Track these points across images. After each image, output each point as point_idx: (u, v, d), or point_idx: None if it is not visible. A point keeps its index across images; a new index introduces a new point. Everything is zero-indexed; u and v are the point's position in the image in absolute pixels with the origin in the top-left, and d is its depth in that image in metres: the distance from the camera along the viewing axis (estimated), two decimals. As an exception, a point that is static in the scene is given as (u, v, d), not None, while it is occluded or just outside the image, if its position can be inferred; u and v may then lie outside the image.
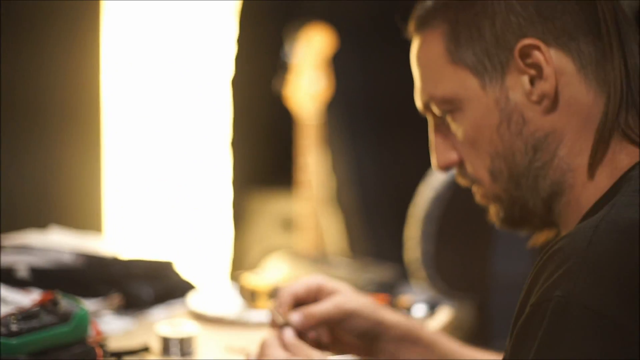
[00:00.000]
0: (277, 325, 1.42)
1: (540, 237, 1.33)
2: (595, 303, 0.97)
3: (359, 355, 1.48)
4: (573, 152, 1.19)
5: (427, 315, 1.99)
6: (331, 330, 1.46)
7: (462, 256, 3.21)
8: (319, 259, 3.87)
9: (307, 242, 4.17)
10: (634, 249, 0.99)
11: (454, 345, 1.49)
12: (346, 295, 1.46)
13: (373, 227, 4.42)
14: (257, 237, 4.58)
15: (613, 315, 0.96)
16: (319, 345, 1.43)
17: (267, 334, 1.41)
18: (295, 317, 1.41)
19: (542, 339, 1.00)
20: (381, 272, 3.65)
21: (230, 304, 2.05)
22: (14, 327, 1.51)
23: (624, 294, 0.97)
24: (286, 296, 1.45)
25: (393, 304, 1.96)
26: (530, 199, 1.23)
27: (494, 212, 1.29)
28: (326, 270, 3.72)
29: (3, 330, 1.51)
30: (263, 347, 1.36)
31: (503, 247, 3.17)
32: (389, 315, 1.48)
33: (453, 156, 1.28)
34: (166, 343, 1.74)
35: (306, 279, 1.49)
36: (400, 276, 3.63)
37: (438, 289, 3.08)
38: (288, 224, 4.50)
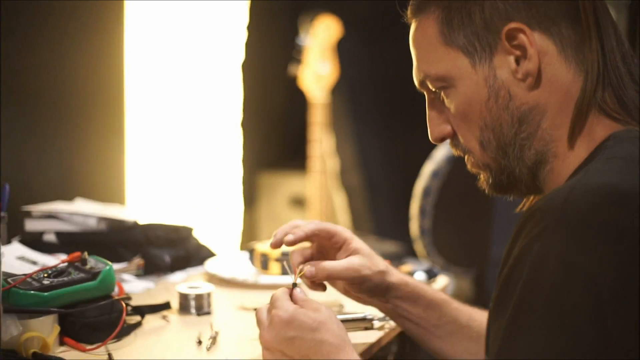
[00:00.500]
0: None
1: (528, 203, 1.45)
2: (570, 255, 1.08)
3: (370, 294, 1.61)
4: (555, 124, 1.30)
5: (426, 282, 2.11)
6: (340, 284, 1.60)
7: (460, 231, 3.28)
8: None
9: (317, 219, 4.21)
10: (604, 207, 1.10)
11: (452, 303, 1.65)
12: (361, 259, 1.58)
13: (378, 205, 4.51)
14: (267, 214, 4.66)
15: (586, 266, 1.08)
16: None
17: (277, 290, 1.47)
18: (309, 267, 1.53)
19: (523, 287, 1.11)
20: (385, 248, 3.76)
21: (243, 268, 2.18)
22: (46, 282, 1.65)
23: (596, 247, 1.08)
24: (297, 257, 1.57)
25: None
26: (517, 166, 1.34)
27: (483, 179, 1.41)
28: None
29: (35, 284, 1.63)
30: (273, 300, 1.43)
31: (500, 222, 3.25)
32: (395, 277, 1.62)
33: (447, 129, 1.40)
34: (184, 300, 1.87)
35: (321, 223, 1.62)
36: (403, 251, 3.74)
37: (436, 263, 3.18)
38: (298, 202, 4.60)
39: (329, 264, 1.55)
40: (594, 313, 1.07)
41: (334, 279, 1.57)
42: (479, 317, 1.64)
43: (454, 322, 1.62)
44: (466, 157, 1.42)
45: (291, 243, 1.57)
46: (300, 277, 1.53)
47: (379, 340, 1.74)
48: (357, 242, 1.61)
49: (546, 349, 1.08)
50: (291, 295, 1.44)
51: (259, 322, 1.43)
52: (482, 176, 1.42)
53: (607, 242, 1.09)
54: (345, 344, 1.37)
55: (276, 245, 1.59)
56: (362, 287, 1.59)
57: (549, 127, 1.31)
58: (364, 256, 1.59)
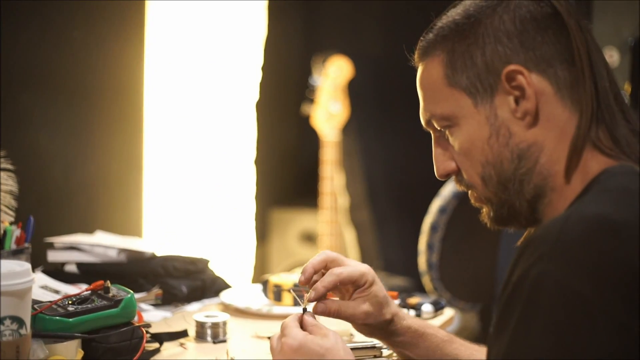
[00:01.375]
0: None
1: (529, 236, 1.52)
2: (565, 280, 1.15)
3: (373, 335, 1.66)
4: (552, 160, 1.37)
5: (433, 314, 2.18)
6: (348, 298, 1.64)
7: (466, 266, 3.33)
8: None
9: None
10: (597, 236, 1.17)
11: (455, 342, 1.72)
12: (370, 307, 1.62)
13: (386, 241, 4.56)
14: (279, 249, 4.69)
15: (580, 291, 1.14)
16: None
17: (287, 318, 1.53)
18: (312, 293, 1.58)
19: (521, 312, 1.18)
20: (394, 282, 3.83)
21: (257, 299, 2.24)
22: (71, 309, 1.73)
23: (590, 272, 1.15)
24: (308, 268, 1.63)
25: (402, 303, 2.16)
26: (517, 200, 1.41)
27: (485, 213, 1.48)
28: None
29: (61, 310, 1.71)
30: (283, 327, 1.50)
31: (505, 260, 3.30)
32: (399, 324, 1.66)
33: (451, 165, 1.47)
34: (201, 328, 1.95)
35: (322, 253, 1.66)
36: (411, 286, 3.80)
37: (443, 297, 3.23)
38: (309, 238, 4.65)
39: (337, 268, 1.61)
40: (590, 333, 1.13)
41: (340, 318, 1.63)
42: (479, 355, 1.69)
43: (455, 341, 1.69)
44: (469, 192, 1.48)
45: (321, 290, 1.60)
46: (309, 301, 1.59)
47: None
48: (376, 286, 1.64)
49: None
50: (302, 320, 1.51)
51: (271, 349, 1.50)
52: (484, 210, 1.48)
53: (600, 267, 1.15)
54: None
55: (306, 282, 1.62)
56: (367, 327, 1.65)
57: (546, 162, 1.38)
58: (376, 304, 1.63)
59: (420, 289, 3.73)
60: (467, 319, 3.37)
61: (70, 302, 1.76)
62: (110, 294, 1.81)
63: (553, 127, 1.38)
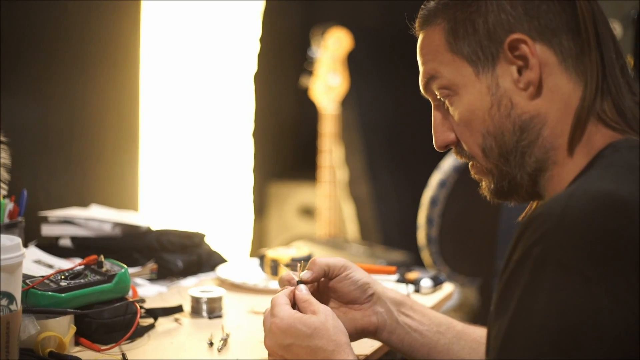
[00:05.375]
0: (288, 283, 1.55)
1: (530, 212, 1.49)
2: (568, 260, 1.12)
3: (364, 326, 1.61)
4: (555, 133, 1.34)
5: (432, 289, 2.15)
6: (335, 292, 1.61)
7: (466, 240, 3.31)
8: (336, 245, 4.01)
9: (326, 229, 4.29)
10: (601, 213, 1.13)
11: (444, 317, 1.66)
12: (344, 259, 1.62)
13: (386, 215, 4.53)
14: (277, 223, 4.68)
15: (584, 271, 1.11)
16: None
17: (276, 295, 1.52)
18: (307, 272, 1.56)
19: (523, 292, 1.15)
20: (393, 257, 3.80)
21: (254, 274, 2.22)
22: (63, 284, 1.70)
23: (593, 252, 1.11)
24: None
25: (401, 278, 2.13)
26: (518, 173, 1.37)
27: (485, 185, 1.44)
28: (343, 255, 3.86)
29: (53, 286, 1.69)
30: (272, 306, 1.48)
31: (505, 234, 3.27)
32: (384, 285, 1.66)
33: (450, 136, 1.43)
34: (196, 303, 1.92)
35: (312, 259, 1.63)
36: (410, 260, 3.78)
37: (442, 272, 3.21)
38: (308, 212, 4.64)
39: (319, 259, 1.59)
40: (592, 314, 1.10)
41: (326, 269, 1.59)
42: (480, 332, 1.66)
43: (453, 328, 1.65)
44: (470, 164, 1.45)
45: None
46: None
47: (385, 346, 1.77)
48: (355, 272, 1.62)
49: (546, 350, 1.12)
50: (294, 295, 1.50)
51: (263, 327, 1.49)
52: (483, 183, 1.45)
53: (604, 246, 1.12)
54: (341, 348, 1.42)
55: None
56: (354, 280, 1.60)
57: (549, 135, 1.35)
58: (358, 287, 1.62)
59: (419, 264, 3.71)
60: (467, 293, 3.35)
61: (63, 277, 1.74)
62: (104, 269, 1.78)
63: (557, 99, 1.34)
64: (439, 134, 1.45)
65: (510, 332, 1.16)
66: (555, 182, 1.36)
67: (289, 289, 1.53)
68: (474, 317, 3.32)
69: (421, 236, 3.19)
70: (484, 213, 3.18)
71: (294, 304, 1.51)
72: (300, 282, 1.54)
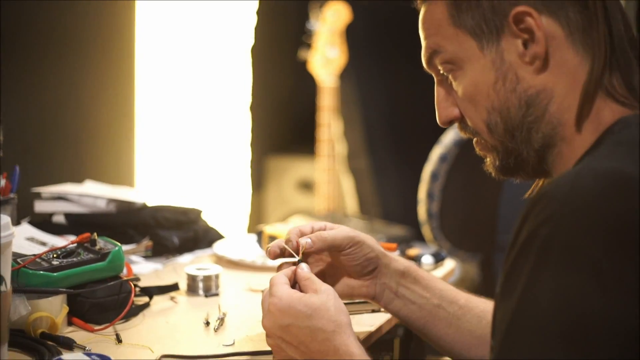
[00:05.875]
0: (286, 263, 1.53)
1: (537, 188, 1.45)
2: (576, 241, 1.08)
3: (361, 295, 1.60)
4: (562, 108, 1.30)
5: (433, 265, 2.12)
6: (336, 260, 1.58)
7: (467, 215, 3.28)
8: (335, 220, 3.99)
9: (325, 203, 4.26)
10: (611, 193, 1.10)
11: (449, 290, 1.62)
12: (351, 229, 1.59)
13: (385, 189, 4.51)
14: (275, 198, 4.66)
15: (591, 252, 1.07)
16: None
17: (275, 274, 1.49)
18: (307, 240, 1.52)
19: (530, 274, 1.11)
20: (393, 232, 3.77)
21: (252, 250, 2.18)
22: (55, 262, 1.66)
23: (601, 233, 1.08)
24: (294, 232, 1.57)
25: (402, 255, 2.09)
26: (524, 149, 1.33)
27: (490, 162, 1.40)
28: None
29: (45, 265, 1.65)
30: (271, 285, 1.45)
31: (507, 208, 3.25)
32: (390, 253, 1.62)
33: (454, 111, 1.39)
34: (192, 282, 1.88)
35: (312, 222, 1.61)
36: (410, 235, 3.75)
37: (443, 247, 3.17)
38: (306, 186, 4.61)
39: (325, 232, 1.55)
40: (600, 297, 1.07)
41: (332, 246, 1.55)
42: (483, 305, 1.63)
43: (455, 303, 1.61)
44: (474, 141, 1.41)
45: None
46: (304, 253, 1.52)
47: (387, 322, 1.75)
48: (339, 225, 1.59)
49: (553, 338, 1.09)
50: (295, 274, 1.47)
51: (262, 307, 1.46)
52: (488, 159, 1.41)
53: (613, 228, 1.08)
54: (341, 329, 1.39)
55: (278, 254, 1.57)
56: (359, 254, 1.57)
57: (556, 110, 1.30)
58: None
59: (419, 238, 3.68)
60: (468, 269, 3.32)
61: (55, 255, 1.70)
62: (97, 247, 1.74)
63: (564, 73, 1.30)
64: (442, 110, 1.41)
65: (516, 317, 1.12)
66: (563, 158, 1.32)
67: (290, 267, 1.50)
68: (475, 292, 3.28)
69: (422, 211, 3.15)
70: (485, 187, 3.15)
71: (294, 283, 1.48)
72: (301, 260, 1.51)
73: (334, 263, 1.60)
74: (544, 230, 1.11)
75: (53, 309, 1.58)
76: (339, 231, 1.56)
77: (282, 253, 1.55)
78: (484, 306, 1.61)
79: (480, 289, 3.30)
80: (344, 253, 1.56)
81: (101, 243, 1.76)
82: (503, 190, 3.18)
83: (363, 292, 1.59)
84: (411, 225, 3.82)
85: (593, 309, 1.07)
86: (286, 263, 1.54)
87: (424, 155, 3.27)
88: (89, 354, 1.42)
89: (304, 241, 1.53)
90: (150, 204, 2.23)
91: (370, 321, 1.71)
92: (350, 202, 4.41)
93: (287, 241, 1.55)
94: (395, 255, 1.62)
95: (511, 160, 1.37)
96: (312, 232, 1.56)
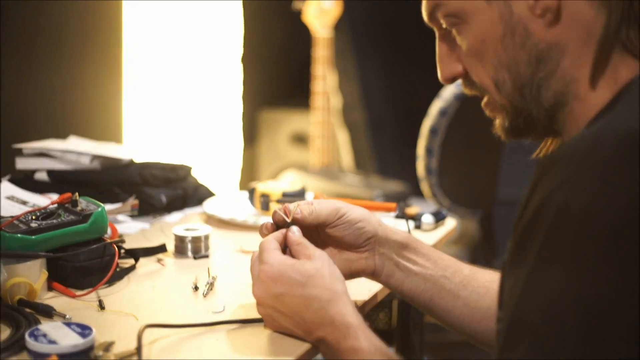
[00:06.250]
0: (278, 225, 1.44)
1: (545, 148, 1.37)
2: (594, 209, 1.00)
3: (359, 269, 1.51)
4: (576, 64, 1.20)
5: (433, 225, 2.03)
6: (328, 239, 1.50)
7: (467, 171, 3.20)
8: (330, 175, 3.91)
9: (320, 158, 4.20)
10: (632, 156, 1.02)
11: (452, 260, 1.54)
12: (338, 201, 1.50)
13: (382, 144, 4.44)
14: (268, 152, 4.60)
15: (611, 221, 1.00)
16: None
17: (265, 238, 1.42)
18: (299, 211, 1.45)
19: (545, 239, 1.03)
20: (390, 187, 3.69)
21: (243, 209, 2.10)
22: (34, 225, 1.57)
23: (621, 197, 1.00)
24: (276, 213, 1.48)
25: (400, 214, 2.00)
26: (534, 108, 1.24)
27: (499, 124, 1.31)
28: (338, 185, 3.76)
29: (23, 227, 1.56)
30: (261, 251, 1.39)
31: (508, 161, 3.17)
32: (388, 224, 1.53)
33: (458, 68, 1.30)
34: (181, 243, 1.80)
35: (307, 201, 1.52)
36: (408, 191, 3.67)
37: (442, 204, 3.10)
38: (300, 140, 4.53)
39: (318, 204, 1.47)
40: (618, 268, 1.00)
41: (316, 220, 1.47)
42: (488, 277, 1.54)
43: (460, 272, 1.53)
44: (483, 102, 1.32)
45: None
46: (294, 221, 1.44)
47: (385, 288, 1.65)
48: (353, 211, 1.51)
49: (567, 316, 1.01)
50: (285, 238, 1.40)
51: (251, 273, 1.39)
52: (497, 121, 1.32)
53: (634, 192, 1.01)
54: (337, 297, 1.32)
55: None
56: (353, 225, 1.48)
57: (569, 66, 1.21)
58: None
59: (417, 194, 3.60)
60: (467, 225, 3.24)
61: (33, 217, 1.61)
62: (79, 208, 1.65)
63: (577, 27, 1.20)
64: (445, 66, 1.32)
65: (528, 290, 1.05)
66: (576, 117, 1.23)
67: (280, 231, 1.42)
68: (474, 249, 3.23)
69: (420, 167, 3.06)
70: (485, 142, 3.05)
71: (285, 248, 1.41)
72: (291, 223, 1.43)
73: (326, 238, 1.51)
74: (560, 195, 1.03)
75: (31, 275, 1.49)
76: (321, 206, 1.47)
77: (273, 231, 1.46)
78: (490, 277, 1.53)
79: (479, 246, 3.23)
80: (332, 226, 1.48)
81: (83, 203, 1.67)
82: (504, 145, 3.10)
83: (361, 265, 1.50)
84: (407, 180, 3.75)
85: (610, 281, 1.00)
86: (270, 224, 1.46)
87: (421, 109, 3.18)
88: (68, 324, 1.33)
89: (294, 210, 1.45)
90: (137, 160, 2.14)
91: (368, 286, 1.62)
92: (346, 157, 4.34)
93: (273, 214, 1.46)
94: (391, 216, 1.54)
95: (521, 121, 1.28)
96: None
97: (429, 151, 3.01)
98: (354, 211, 1.49)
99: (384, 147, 4.41)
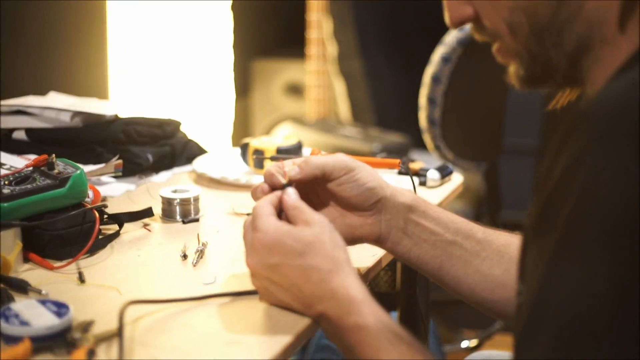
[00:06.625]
0: (273, 187, 1.32)
1: (562, 98, 1.24)
2: (630, 167, 0.89)
3: (363, 235, 1.39)
4: (602, 4, 1.06)
5: (439, 181, 1.91)
6: (330, 196, 1.38)
7: (471, 122, 3.08)
8: (327, 127, 3.79)
9: (316, 109, 4.10)
10: None
11: (464, 223, 1.41)
12: (345, 155, 1.37)
13: (380, 94, 4.32)
14: (262, 105, 4.50)
15: None
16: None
17: (259, 202, 1.28)
18: (294, 167, 1.32)
19: (575, 208, 0.92)
20: (390, 139, 3.57)
21: (235, 167, 1.98)
22: (6, 191, 1.45)
23: None
24: (273, 168, 1.35)
25: (404, 170, 1.87)
26: (554, 55, 1.11)
27: (513, 72, 1.18)
28: (335, 138, 3.64)
29: (-5, 193, 1.43)
30: (254, 216, 1.25)
31: (514, 108, 3.05)
32: (393, 185, 1.40)
33: (467, 10, 1.16)
34: (168, 206, 1.68)
35: (295, 158, 1.38)
36: (408, 143, 3.55)
37: (445, 157, 2.97)
38: (295, 90, 4.42)
39: (315, 157, 1.35)
40: None
41: (322, 171, 1.34)
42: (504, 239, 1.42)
43: (472, 237, 1.41)
44: (495, 47, 1.18)
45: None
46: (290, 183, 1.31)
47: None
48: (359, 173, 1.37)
49: (603, 276, 0.90)
50: (281, 201, 1.27)
51: (244, 239, 1.26)
52: (511, 68, 1.18)
53: None
54: (339, 266, 1.20)
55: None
56: (356, 184, 1.36)
57: (594, 6, 1.07)
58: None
59: (418, 146, 3.48)
60: (471, 179, 3.12)
61: (6, 182, 1.49)
62: (56, 171, 1.53)
63: (603, -41, 1.05)
64: (453, 8, 1.17)
65: (558, 256, 0.93)
66: (602, 64, 1.09)
67: (274, 194, 1.29)
68: (479, 204, 3.11)
69: (422, 118, 2.92)
70: (491, 91, 2.93)
71: (280, 212, 1.27)
72: (287, 184, 1.30)
73: (328, 199, 1.38)
74: (590, 156, 0.91)
75: (4, 246, 1.37)
76: (330, 157, 1.35)
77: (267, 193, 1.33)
78: (504, 239, 1.40)
79: (484, 200, 3.11)
80: (338, 183, 1.35)
81: (60, 166, 1.54)
82: (509, 90, 2.98)
83: (366, 231, 1.38)
84: (407, 132, 3.63)
85: None
86: (266, 186, 1.32)
87: (421, 57, 3.04)
88: (43, 302, 1.21)
89: (290, 168, 1.32)
90: (121, 116, 2.00)
91: (372, 251, 1.50)
92: (343, 108, 4.22)
93: (268, 175, 1.33)
94: (399, 187, 1.40)
95: (538, 68, 1.14)
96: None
97: (431, 101, 2.87)
98: (365, 169, 1.36)
99: (382, 97, 4.29)
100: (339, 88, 4.21)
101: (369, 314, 1.17)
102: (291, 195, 1.28)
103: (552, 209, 0.95)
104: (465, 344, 3.19)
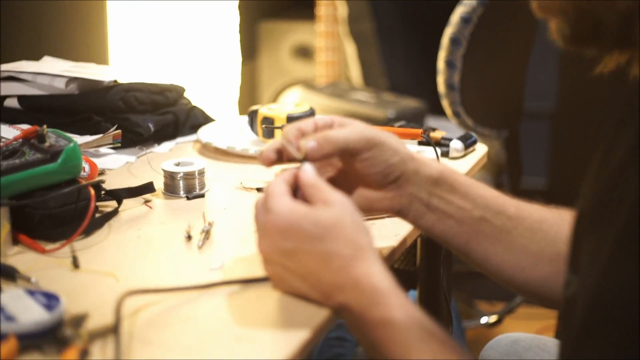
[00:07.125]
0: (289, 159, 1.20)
1: (610, 63, 1.11)
2: None
3: (382, 209, 1.27)
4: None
5: (463, 152, 1.78)
6: (349, 168, 1.25)
7: (492, 86, 2.94)
8: (339, 92, 3.66)
9: (326, 72, 3.99)
10: None
11: (495, 197, 1.29)
12: (368, 126, 1.25)
13: (393, 57, 4.20)
14: (270, 68, 4.39)
15: None
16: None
17: (272, 180, 1.16)
18: (311, 142, 1.18)
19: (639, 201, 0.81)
20: (404, 104, 3.44)
21: (243, 136, 1.86)
22: (-6, 166, 1.33)
23: None
24: (292, 132, 1.23)
25: (426, 139, 1.74)
26: (605, 12, 0.97)
27: (556, 28, 1.05)
28: (348, 103, 3.51)
29: (-20, 169, 1.32)
30: (267, 196, 1.13)
31: (536, 71, 2.92)
32: (419, 155, 1.27)
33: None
34: (171, 180, 1.56)
35: (315, 118, 1.27)
36: (424, 108, 3.41)
37: (464, 124, 2.84)
38: (304, 53, 4.30)
39: (334, 132, 1.21)
40: None
41: (344, 150, 1.21)
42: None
43: (504, 213, 1.28)
44: (534, 1, 1.05)
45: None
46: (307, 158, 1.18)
47: (414, 230, 1.41)
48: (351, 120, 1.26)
49: None
50: (296, 179, 1.15)
51: (255, 221, 1.13)
52: (552, 24, 1.05)
53: None
54: (362, 252, 1.08)
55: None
56: (378, 159, 1.23)
57: (655, -43, 0.92)
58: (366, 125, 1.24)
59: (434, 112, 3.36)
60: (491, 147, 3.00)
61: (-7, 156, 1.36)
62: (47, 144, 1.40)
63: None
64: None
65: (622, 252, 0.81)
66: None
67: (289, 171, 1.16)
68: (499, 173, 2.99)
69: (440, 82, 2.78)
70: (512, 53, 2.79)
71: (296, 190, 1.14)
72: (304, 159, 1.16)
73: (346, 170, 1.26)
74: None
75: (-9, 227, 1.25)
76: (351, 131, 1.21)
77: (280, 158, 1.20)
78: (538, 215, 1.27)
79: (504, 169, 2.98)
80: (360, 159, 1.21)
81: (52, 138, 1.42)
82: (533, 55, 2.84)
83: (385, 205, 1.25)
84: (424, 97, 3.51)
85: None
86: (272, 151, 1.20)
87: (438, 18, 2.90)
88: (32, 292, 1.09)
89: (307, 144, 1.18)
90: (120, 82, 1.88)
91: (395, 229, 1.37)
92: (355, 72, 4.10)
93: (285, 143, 1.20)
94: (425, 157, 1.27)
95: (585, 28, 1.00)
96: (316, 130, 1.22)
97: (450, 64, 2.72)
98: (389, 144, 1.23)
99: (395, 60, 4.16)
100: (350, 51, 4.09)
101: (396, 306, 1.04)
102: (308, 171, 1.15)
103: (613, 195, 0.84)
104: (484, 319, 3.08)
